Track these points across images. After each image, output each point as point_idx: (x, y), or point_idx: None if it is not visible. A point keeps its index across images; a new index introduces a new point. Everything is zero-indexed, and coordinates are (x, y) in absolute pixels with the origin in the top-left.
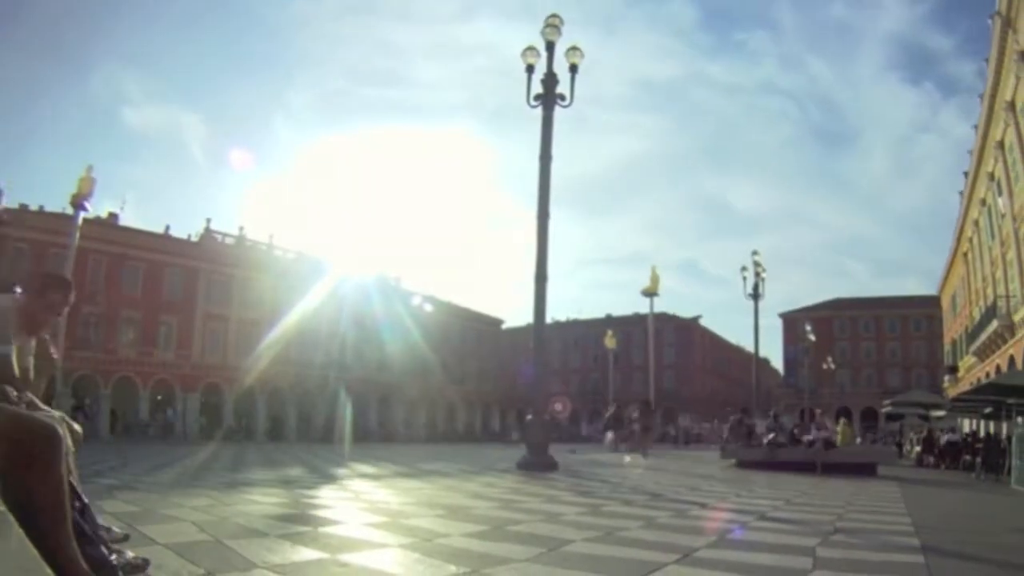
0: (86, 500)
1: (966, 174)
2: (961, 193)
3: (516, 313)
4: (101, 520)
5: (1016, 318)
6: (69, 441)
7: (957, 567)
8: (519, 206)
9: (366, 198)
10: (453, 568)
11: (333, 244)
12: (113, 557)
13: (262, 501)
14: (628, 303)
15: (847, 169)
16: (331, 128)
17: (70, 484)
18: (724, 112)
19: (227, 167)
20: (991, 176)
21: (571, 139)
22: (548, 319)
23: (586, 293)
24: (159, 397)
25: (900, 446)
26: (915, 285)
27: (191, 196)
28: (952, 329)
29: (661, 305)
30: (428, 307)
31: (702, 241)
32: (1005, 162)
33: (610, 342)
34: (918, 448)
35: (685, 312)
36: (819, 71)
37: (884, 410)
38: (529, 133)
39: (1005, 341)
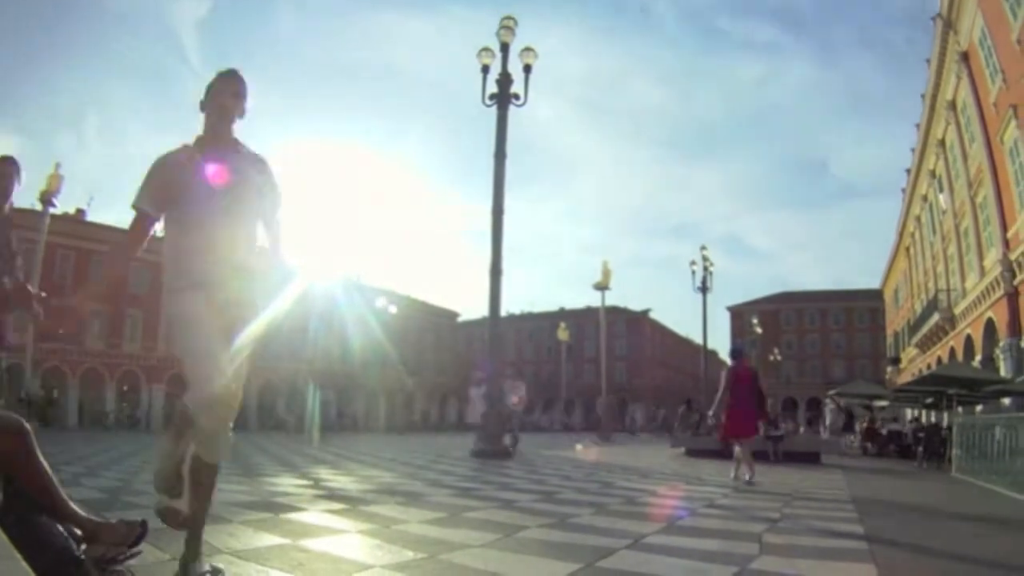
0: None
1: (908, 171)
2: (903, 190)
3: (473, 306)
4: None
5: (956, 311)
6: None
7: (899, 553)
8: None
9: (330, 184)
10: (411, 553)
11: (296, 237)
12: (83, 547)
13: (225, 488)
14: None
15: None
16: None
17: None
18: (883, 46)
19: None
20: (932, 173)
21: (697, 64)
22: (503, 312)
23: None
24: (125, 388)
25: None
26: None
27: (176, 121)
28: (894, 322)
29: (614, 298)
30: (393, 308)
31: (766, 210)
32: (946, 160)
33: (563, 335)
34: (852, 437)
35: (734, 295)
36: None
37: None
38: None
39: (946, 333)
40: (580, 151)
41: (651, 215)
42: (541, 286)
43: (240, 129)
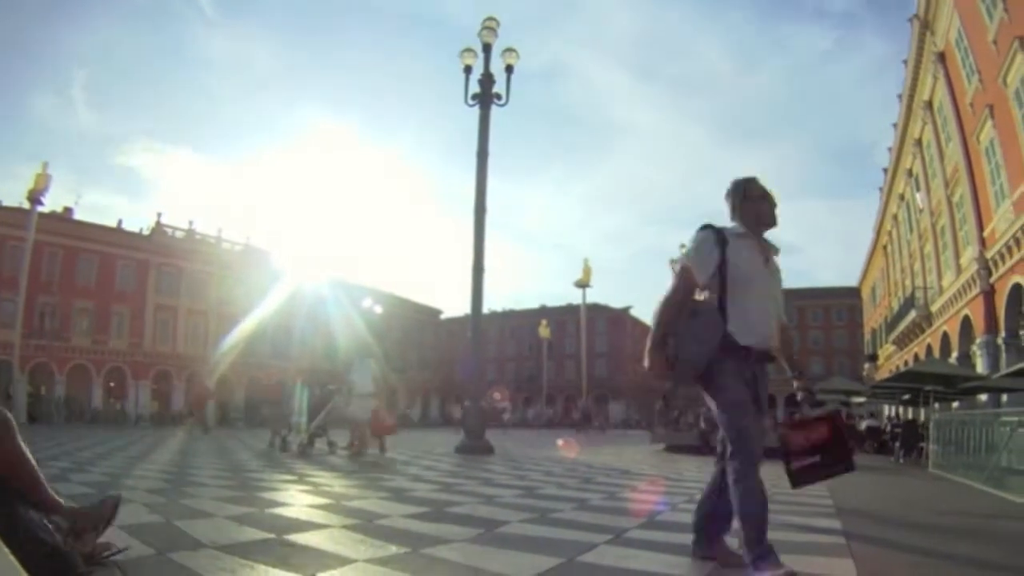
0: None
1: (885, 170)
2: (881, 189)
3: (457, 303)
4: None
5: (933, 309)
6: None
7: (877, 548)
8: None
9: (313, 184)
10: (394, 548)
11: (280, 235)
12: (69, 540)
13: (209, 484)
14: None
15: None
16: None
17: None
18: None
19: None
20: (909, 172)
21: (765, 27)
22: (485, 309)
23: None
24: (112, 384)
25: None
26: None
27: (175, 86)
28: (872, 319)
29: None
30: (378, 308)
31: (798, 199)
32: (923, 159)
33: (544, 332)
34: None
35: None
36: None
37: None
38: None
39: (923, 331)
40: (620, 125)
41: (681, 203)
42: (555, 277)
43: (249, 94)
